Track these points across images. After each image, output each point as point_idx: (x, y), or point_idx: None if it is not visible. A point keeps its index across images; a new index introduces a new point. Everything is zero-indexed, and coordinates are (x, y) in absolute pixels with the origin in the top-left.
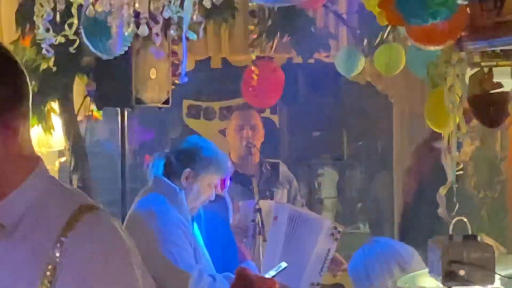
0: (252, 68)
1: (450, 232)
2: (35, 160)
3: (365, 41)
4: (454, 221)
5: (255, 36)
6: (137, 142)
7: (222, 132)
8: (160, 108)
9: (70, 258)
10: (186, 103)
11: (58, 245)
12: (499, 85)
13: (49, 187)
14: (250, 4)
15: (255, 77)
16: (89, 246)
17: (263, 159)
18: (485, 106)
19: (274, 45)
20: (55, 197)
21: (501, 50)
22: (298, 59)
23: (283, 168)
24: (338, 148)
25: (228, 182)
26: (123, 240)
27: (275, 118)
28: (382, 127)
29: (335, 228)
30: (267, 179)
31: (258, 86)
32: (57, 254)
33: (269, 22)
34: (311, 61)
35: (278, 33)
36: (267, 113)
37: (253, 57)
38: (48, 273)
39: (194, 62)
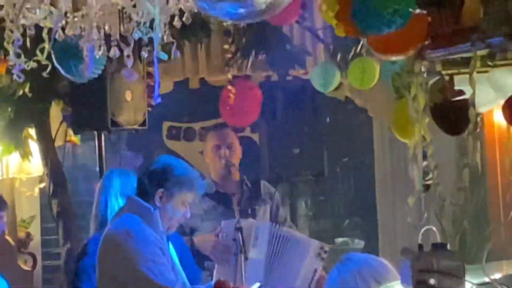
0: (229, 87)
1: (419, 241)
2: None
3: (339, 56)
4: (423, 230)
5: (230, 55)
6: (130, 167)
7: (203, 153)
8: (136, 130)
9: None
10: (166, 124)
11: None
12: (461, 92)
13: None
14: (224, 23)
15: (232, 96)
16: None
17: (243, 177)
18: (447, 114)
19: (249, 64)
20: None
21: (462, 58)
22: (276, 77)
23: (264, 184)
24: (319, 164)
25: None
26: None
27: (255, 137)
28: (363, 142)
29: (322, 248)
30: (249, 197)
31: (235, 105)
32: None
33: (244, 41)
34: (290, 78)
35: (253, 52)
36: (247, 132)
37: (230, 76)
38: None
39: (173, 84)
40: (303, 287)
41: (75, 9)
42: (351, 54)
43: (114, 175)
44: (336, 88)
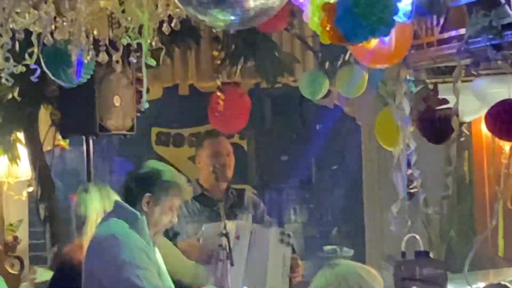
0: (218, 93)
1: (403, 249)
2: None
3: (327, 64)
4: (406, 237)
5: (219, 62)
6: (120, 172)
7: (192, 159)
8: (125, 135)
9: None
10: (155, 130)
11: None
12: (445, 101)
13: None
14: (214, 30)
15: (221, 103)
16: None
17: (230, 185)
18: (431, 122)
19: (238, 70)
20: None
21: (446, 67)
22: (265, 84)
23: (248, 194)
24: (306, 172)
25: None
26: None
27: (244, 143)
28: (351, 149)
29: (282, 232)
30: (233, 204)
31: (224, 112)
32: None
33: (233, 47)
34: (278, 85)
35: (242, 58)
36: (236, 139)
37: (219, 82)
38: None
39: (162, 90)
40: (276, 275)
41: (59, 13)
42: (340, 62)
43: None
44: (325, 96)
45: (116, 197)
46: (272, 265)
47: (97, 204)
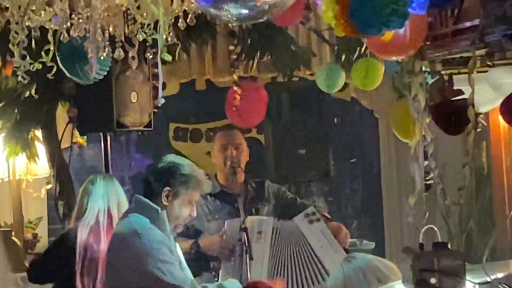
0: (235, 88)
1: (421, 240)
2: None
3: (343, 57)
4: (424, 229)
5: (235, 56)
6: (139, 168)
7: (210, 154)
8: (142, 132)
9: None
10: (172, 126)
11: None
12: (460, 92)
13: None
14: (230, 25)
15: (238, 97)
16: None
17: (248, 178)
18: (447, 114)
19: (255, 65)
20: None
21: (461, 57)
22: (282, 78)
23: (268, 185)
24: (324, 165)
25: None
26: None
27: (261, 138)
28: (368, 142)
29: (307, 214)
30: (253, 198)
31: (241, 106)
32: None
33: (249, 42)
34: (295, 79)
35: (258, 53)
36: (253, 133)
37: (235, 77)
38: None
39: (179, 85)
40: (327, 252)
41: (72, 10)
42: (356, 54)
43: (98, 179)
44: (342, 89)
45: (120, 189)
46: (318, 245)
47: (100, 196)
